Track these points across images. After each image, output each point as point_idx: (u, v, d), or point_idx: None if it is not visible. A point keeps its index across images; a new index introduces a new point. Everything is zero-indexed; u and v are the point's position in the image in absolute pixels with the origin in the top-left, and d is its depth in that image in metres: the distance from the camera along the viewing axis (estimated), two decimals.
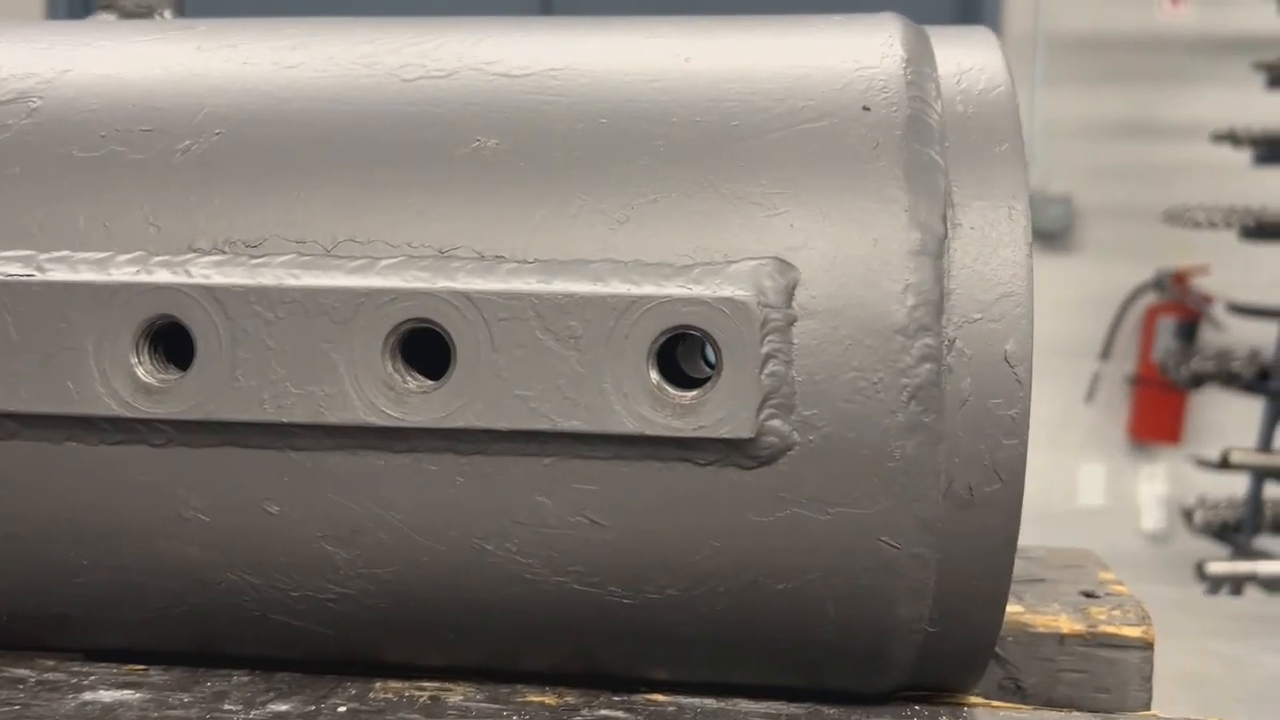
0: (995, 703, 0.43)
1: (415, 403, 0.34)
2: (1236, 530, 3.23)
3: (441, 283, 0.34)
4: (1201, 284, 3.68)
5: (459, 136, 0.37)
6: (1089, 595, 0.55)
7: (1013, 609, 0.52)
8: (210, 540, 0.38)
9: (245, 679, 0.43)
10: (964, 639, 0.37)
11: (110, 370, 0.35)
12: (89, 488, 0.37)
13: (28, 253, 0.37)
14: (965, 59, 0.40)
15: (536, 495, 0.35)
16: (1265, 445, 3.09)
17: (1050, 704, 0.51)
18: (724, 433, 0.33)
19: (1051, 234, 3.84)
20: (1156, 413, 3.80)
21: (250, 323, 0.35)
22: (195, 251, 0.36)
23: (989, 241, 0.34)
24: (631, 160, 0.36)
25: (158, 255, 0.36)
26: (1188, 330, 3.74)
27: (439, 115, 0.38)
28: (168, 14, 0.50)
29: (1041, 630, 0.52)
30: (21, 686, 0.43)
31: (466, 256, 0.35)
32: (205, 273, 0.35)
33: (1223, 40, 3.74)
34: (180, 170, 0.37)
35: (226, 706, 0.41)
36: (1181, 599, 0.87)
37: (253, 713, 0.40)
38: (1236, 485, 3.20)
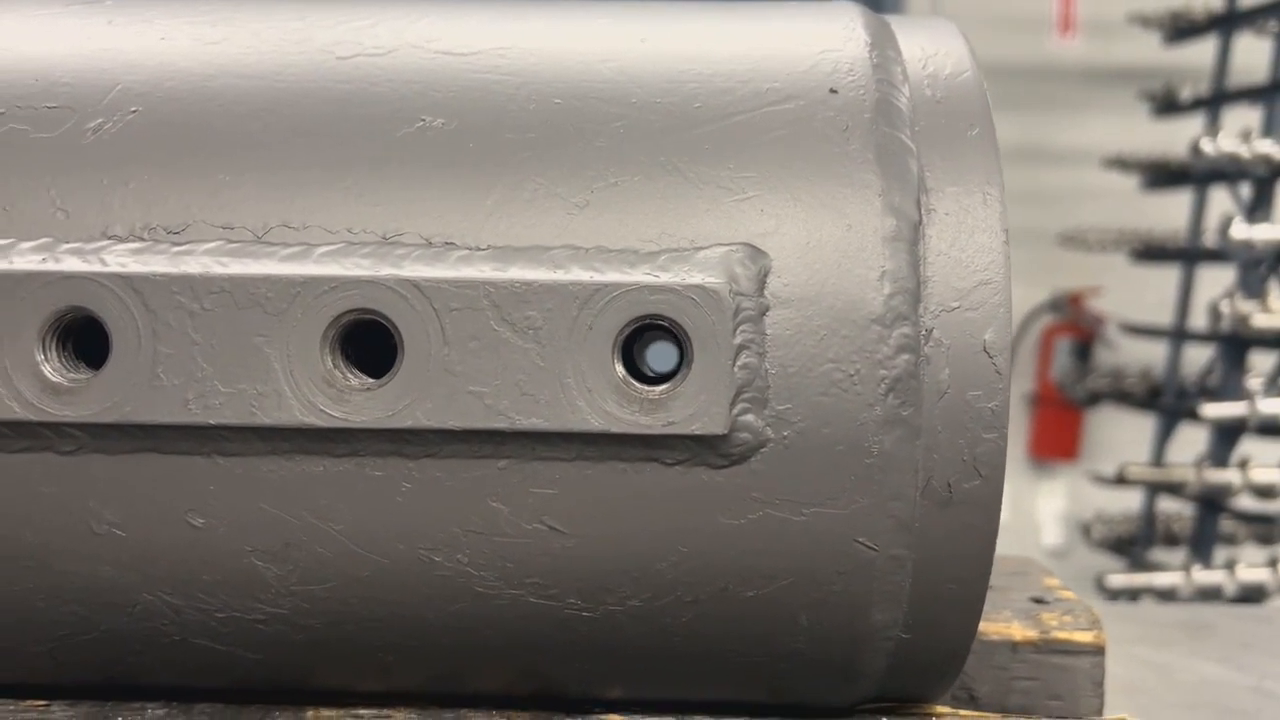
0: (962, 712, 0.41)
1: (358, 401, 0.32)
2: (1132, 544, 3.33)
3: (386, 270, 0.32)
4: (1095, 305, 3.81)
5: (401, 116, 0.34)
6: (1039, 601, 0.54)
7: None
8: (125, 558, 0.34)
9: (161, 712, 0.40)
10: (938, 645, 0.36)
11: (12, 368, 0.32)
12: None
13: None
14: (929, 45, 0.39)
15: (491, 501, 0.33)
16: (1158, 460, 3.19)
17: (1004, 712, 0.50)
18: (695, 429, 0.31)
19: None
20: (1055, 431, 3.91)
21: (173, 315, 0.32)
22: (110, 238, 0.33)
23: (965, 227, 0.33)
24: (589, 141, 0.34)
25: (67, 242, 0.33)
26: (1083, 350, 3.86)
27: (378, 94, 0.35)
28: None
29: (994, 638, 0.51)
30: None
31: (413, 243, 0.33)
32: (121, 261, 0.32)
33: (1110, 70, 3.89)
34: (91, 150, 0.34)
35: None
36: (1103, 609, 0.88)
37: None
38: (1132, 500, 3.31)
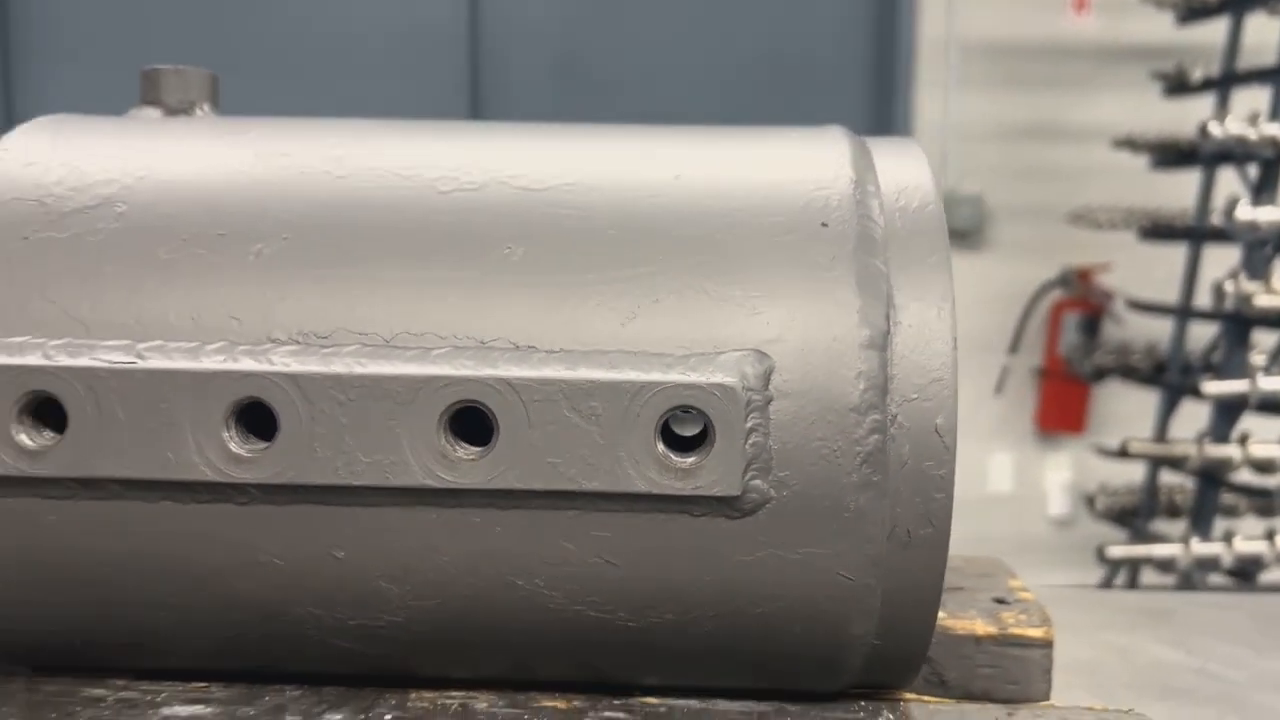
0: (925, 697, 0.52)
1: (464, 469, 0.42)
2: (1135, 515, 3.42)
3: (485, 370, 0.42)
4: (1104, 281, 3.88)
5: (491, 244, 0.45)
6: (1000, 601, 0.65)
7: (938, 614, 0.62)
8: (281, 581, 0.45)
9: (297, 693, 0.51)
10: (902, 649, 0.46)
11: (204, 443, 0.43)
12: (178, 538, 0.44)
13: (127, 342, 0.43)
14: (902, 176, 0.49)
15: (562, 541, 0.43)
16: (1161, 435, 3.28)
17: (968, 695, 0.61)
18: (716, 492, 0.42)
19: (963, 233, 3.99)
20: (1062, 404, 3.98)
21: (326, 404, 0.42)
22: (273, 342, 0.43)
23: (923, 336, 0.43)
24: (636, 267, 0.44)
25: (241, 345, 0.43)
26: (1091, 325, 3.93)
27: (473, 225, 0.45)
28: (206, 107, 0.56)
29: (961, 633, 0.61)
30: (104, 704, 0.49)
31: (504, 347, 0.43)
32: (285, 361, 0.43)
33: (1123, 49, 3.93)
34: (254, 270, 0.45)
35: (288, 718, 0.48)
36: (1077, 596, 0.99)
37: None
38: (1135, 473, 3.40)
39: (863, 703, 0.50)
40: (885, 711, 0.49)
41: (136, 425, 0.43)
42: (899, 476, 0.43)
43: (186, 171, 0.48)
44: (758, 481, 0.42)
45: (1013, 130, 4.12)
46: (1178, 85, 3.33)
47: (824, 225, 0.45)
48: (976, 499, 4.12)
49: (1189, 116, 3.20)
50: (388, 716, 0.48)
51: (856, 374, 0.42)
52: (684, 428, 0.44)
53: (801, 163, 0.48)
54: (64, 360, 0.43)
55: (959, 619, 0.62)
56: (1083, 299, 3.91)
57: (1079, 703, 0.73)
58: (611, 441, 0.42)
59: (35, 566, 0.45)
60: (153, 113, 0.55)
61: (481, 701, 0.50)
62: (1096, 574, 3.34)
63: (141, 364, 0.43)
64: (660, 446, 0.42)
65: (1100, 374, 3.51)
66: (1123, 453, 3.26)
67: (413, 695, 0.50)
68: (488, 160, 0.48)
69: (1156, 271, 3.75)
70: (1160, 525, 3.35)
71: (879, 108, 3.93)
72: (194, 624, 0.47)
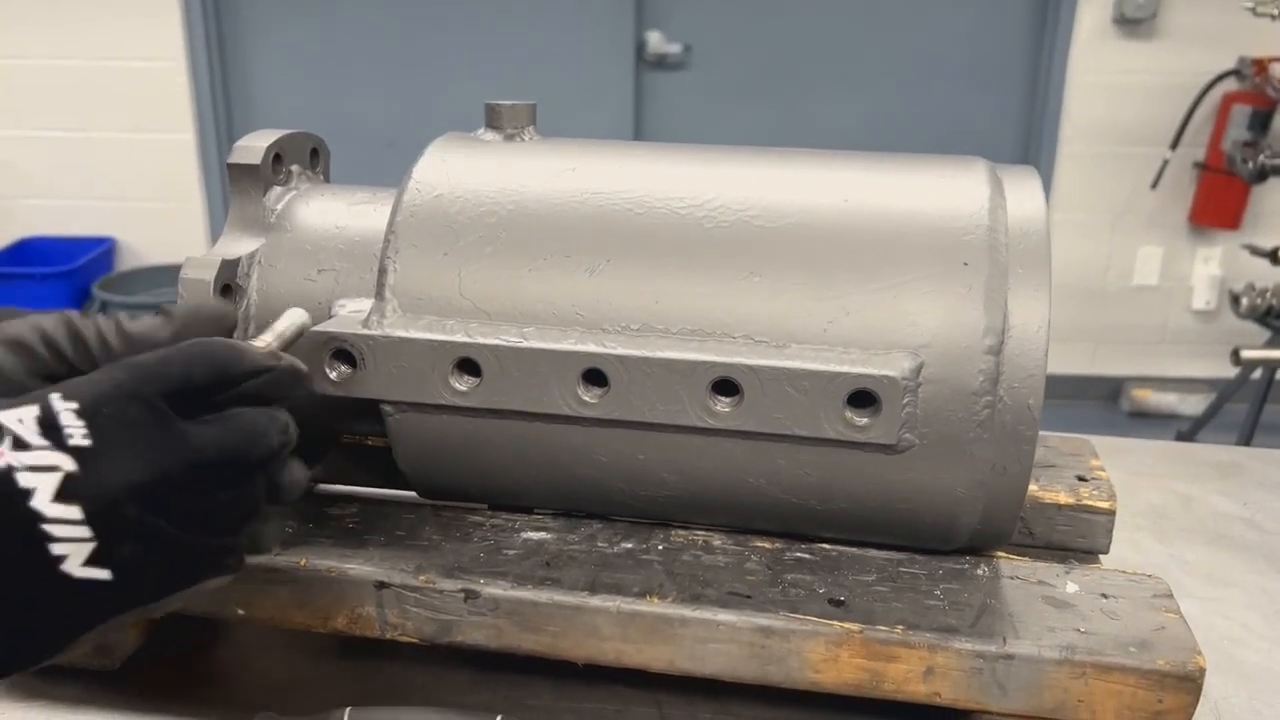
0: (1010, 555, 0.78)
1: (720, 416, 0.68)
2: (1278, 316, 3.48)
3: (736, 358, 0.67)
4: None
5: (740, 269, 0.69)
6: (1080, 479, 0.89)
7: (1032, 488, 0.86)
8: (604, 469, 0.73)
9: (600, 526, 0.80)
10: (994, 532, 0.72)
11: (563, 392, 0.69)
12: (545, 443, 0.72)
13: (515, 327, 0.70)
14: (1022, 209, 0.70)
15: (779, 459, 0.70)
16: None
17: (1049, 545, 0.86)
18: (880, 440, 0.67)
19: (1136, 20, 3.89)
20: (1219, 200, 3.96)
21: (637, 372, 0.68)
22: (604, 331, 0.69)
23: (1025, 346, 0.66)
24: (834, 287, 0.68)
25: (585, 330, 0.69)
26: (1263, 119, 3.84)
27: (728, 253, 0.69)
28: (531, 130, 0.80)
29: (1047, 501, 0.86)
30: (484, 526, 0.79)
31: (746, 341, 0.68)
32: (613, 344, 0.68)
33: None
34: (590, 282, 0.70)
35: (599, 543, 0.77)
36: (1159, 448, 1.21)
37: (615, 547, 0.77)
38: None
39: (968, 557, 0.76)
40: (982, 563, 0.75)
41: (523, 378, 0.70)
42: (1000, 434, 0.67)
43: (540, 208, 0.73)
44: (908, 435, 0.67)
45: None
46: None
47: (965, 264, 0.67)
48: (1121, 290, 4.22)
49: None
50: (660, 546, 0.77)
51: (978, 370, 0.66)
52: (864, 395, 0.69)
53: (948, 202, 0.69)
54: (479, 339, 0.70)
55: (1047, 491, 0.87)
56: (1256, 92, 3.82)
57: (1142, 544, 0.99)
58: (814, 406, 0.67)
59: (458, 452, 0.74)
60: (494, 136, 0.79)
61: (716, 539, 0.78)
62: (1233, 370, 3.47)
63: (525, 343, 0.69)
64: (848, 412, 0.67)
65: (1262, 175, 3.50)
66: (1274, 258, 3.31)
67: (673, 533, 0.79)
68: (731, 198, 0.71)
69: None
70: None
71: None
72: (546, 486, 0.76)
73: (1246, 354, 3.10)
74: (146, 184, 4.26)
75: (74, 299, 3.99)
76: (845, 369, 0.66)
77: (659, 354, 0.68)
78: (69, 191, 4.28)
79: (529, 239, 0.72)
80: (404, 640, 0.74)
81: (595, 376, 0.69)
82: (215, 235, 4.29)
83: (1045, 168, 4.09)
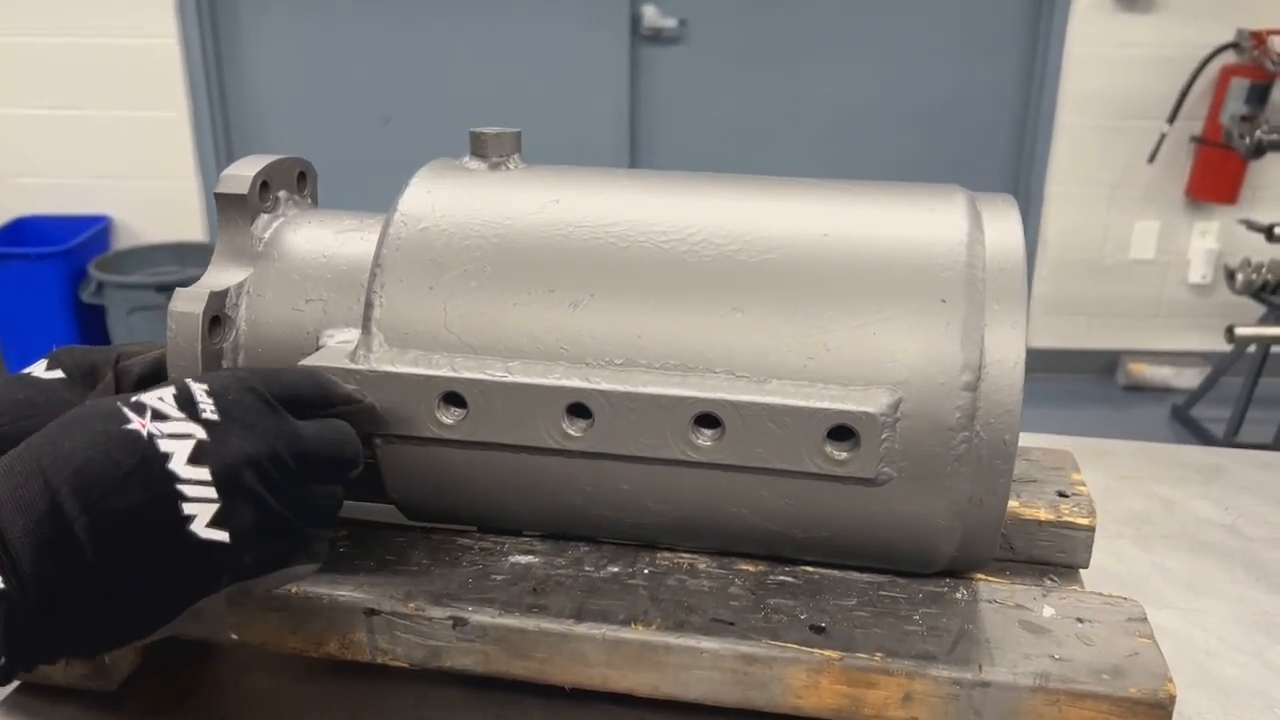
0: (989, 578, 0.79)
1: (702, 450, 0.69)
2: (1273, 292, 3.49)
3: (718, 394, 0.68)
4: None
5: (722, 304, 0.70)
6: (1061, 495, 0.90)
7: (1013, 504, 0.88)
8: (588, 499, 0.74)
9: (587, 549, 0.81)
10: (971, 559, 0.74)
11: (548, 425, 0.71)
12: (529, 473, 0.74)
13: (500, 361, 0.71)
14: (1000, 239, 0.71)
15: (761, 491, 0.71)
16: None
17: (1029, 559, 0.88)
18: (859, 474, 0.68)
19: None
20: (1216, 173, 3.95)
21: (620, 407, 0.69)
22: (586, 365, 0.70)
23: (1002, 383, 0.67)
24: (816, 322, 0.69)
25: (569, 365, 0.70)
26: (1261, 92, 3.82)
27: (711, 288, 0.70)
28: (516, 158, 0.80)
29: (1027, 518, 0.87)
30: (473, 550, 0.81)
31: (725, 374, 0.69)
32: (597, 379, 0.69)
33: None
34: (573, 317, 0.71)
35: (586, 567, 0.79)
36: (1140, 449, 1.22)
37: (601, 571, 0.78)
38: None
39: (948, 579, 0.78)
40: (961, 586, 0.77)
41: (508, 412, 0.71)
42: (977, 468, 0.68)
43: (525, 241, 0.73)
44: (887, 469, 0.68)
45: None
46: None
47: (944, 301, 0.68)
48: (1118, 264, 4.21)
49: None
50: (645, 570, 0.79)
51: (955, 407, 0.67)
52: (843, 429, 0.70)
53: (928, 237, 0.70)
54: (464, 373, 0.71)
55: (1028, 508, 0.88)
56: (1255, 65, 3.80)
57: (1124, 552, 1.00)
58: (794, 440, 0.68)
59: (444, 481, 0.76)
60: (479, 165, 0.80)
61: (701, 562, 0.80)
62: (1228, 345, 3.47)
63: (510, 377, 0.70)
64: (828, 447, 0.68)
65: (1260, 150, 3.49)
66: (1270, 234, 3.31)
67: (659, 555, 0.80)
68: (713, 231, 0.72)
69: None
70: None
71: None
72: (533, 513, 0.78)
73: (1241, 331, 3.11)
74: (142, 162, 4.25)
75: (71, 279, 4.00)
76: (825, 405, 0.67)
77: (642, 389, 0.69)
78: (63, 170, 4.27)
79: (513, 273, 0.73)
80: (394, 665, 0.75)
81: (580, 410, 0.71)
82: (211, 213, 4.30)
83: (1042, 140, 4.08)
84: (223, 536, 0.53)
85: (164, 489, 0.52)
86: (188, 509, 0.53)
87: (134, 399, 0.56)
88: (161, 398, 0.56)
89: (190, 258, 4.15)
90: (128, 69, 4.12)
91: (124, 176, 4.28)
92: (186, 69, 4.13)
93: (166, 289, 3.86)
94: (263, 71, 4.24)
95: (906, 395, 0.68)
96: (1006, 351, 0.68)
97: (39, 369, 0.77)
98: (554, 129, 4.11)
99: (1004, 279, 0.70)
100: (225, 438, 0.55)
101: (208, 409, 0.56)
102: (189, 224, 4.31)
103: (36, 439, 0.54)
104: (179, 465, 0.53)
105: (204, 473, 0.53)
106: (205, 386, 0.57)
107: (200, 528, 0.53)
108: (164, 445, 0.53)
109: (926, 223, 0.72)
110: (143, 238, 4.34)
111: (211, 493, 0.53)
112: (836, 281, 0.70)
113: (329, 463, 0.62)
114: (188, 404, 0.56)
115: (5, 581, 0.50)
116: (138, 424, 0.54)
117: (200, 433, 0.55)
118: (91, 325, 4.01)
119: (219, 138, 4.25)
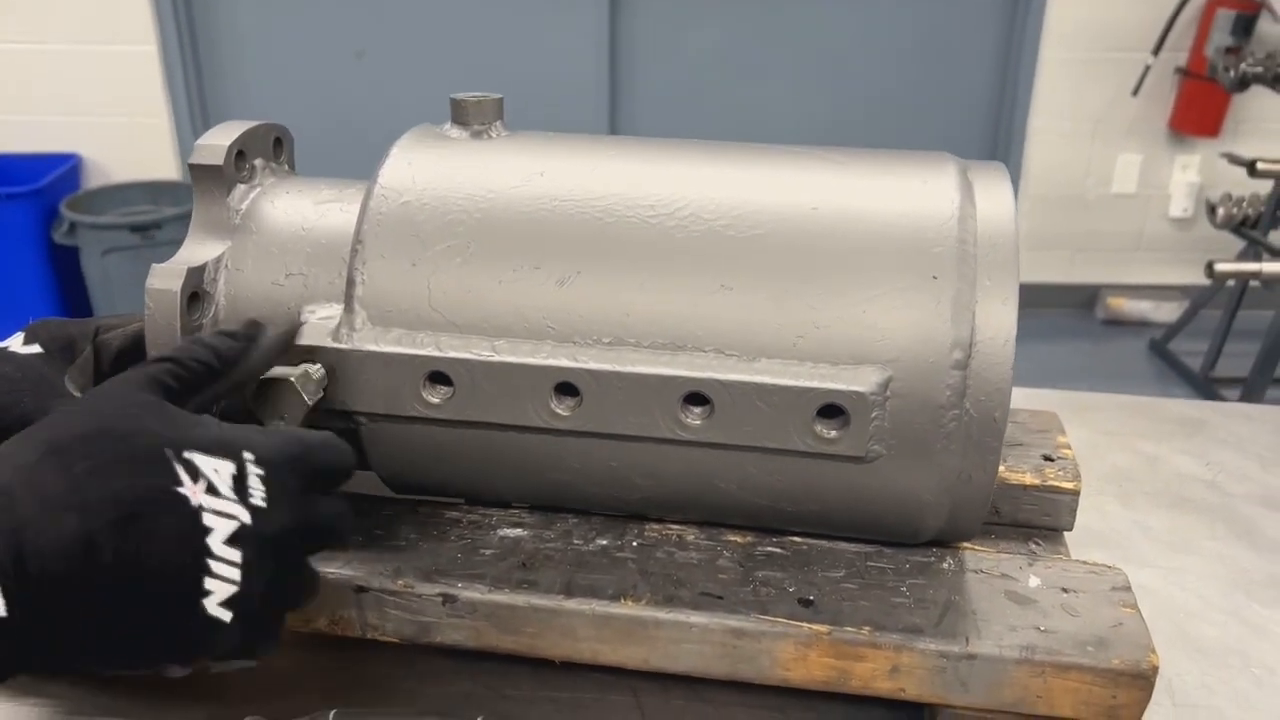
0: (976, 546, 0.80)
1: (690, 428, 0.69)
2: (1253, 226, 3.49)
3: (707, 373, 0.68)
4: None
5: (710, 281, 0.69)
6: (1046, 459, 0.90)
7: (999, 469, 0.88)
8: (576, 476, 0.74)
9: (575, 521, 0.81)
10: (959, 531, 0.74)
11: (534, 403, 0.70)
12: (516, 451, 0.73)
13: (486, 339, 0.70)
14: (992, 210, 0.70)
15: (749, 468, 0.71)
16: None
17: (1014, 523, 0.88)
18: (848, 452, 0.68)
19: None
20: (1199, 106, 3.93)
21: (608, 385, 0.69)
22: (574, 344, 0.69)
23: (991, 360, 0.67)
24: (808, 300, 0.68)
25: (557, 344, 0.69)
26: (1246, 24, 3.79)
27: (699, 265, 0.69)
28: (499, 125, 0.78)
29: (1013, 482, 0.88)
30: (461, 523, 0.80)
31: (713, 352, 0.68)
32: (584, 358, 0.69)
33: None
34: (560, 293, 0.70)
35: (575, 540, 0.79)
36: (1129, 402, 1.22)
37: (590, 544, 0.78)
38: (1263, 184, 3.44)
39: (935, 548, 0.78)
40: (948, 556, 0.77)
41: (495, 391, 0.70)
42: (966, 445, 0.68)
43: (509, 216, 0.72)
44: (877, 446, 0.68)
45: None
46: None
47: (935, 278, 0.67)
48: (1100, 198, 4.20)
49: None
50: (634, 542, 0.79)
51: (945, 385, 0.67)
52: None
53: (919, 211, 0.69)
54: (450, 352, 0.70)
55: (1014, 472, 0.88)
56: None
57: (1107, 510, 1.01)
58: (783, 419, 0.68)
59: (432, 458, 0.75)
60: (460, 133, 0.78)
61: (690, 534, 0.80)
62: (1207, 279, 3.48)
63: (496, 356, 0.70)
64: (817, 425, 0.68)
65: (1244, 84, 3.47)
66: (1251, 169, 3.30)
67: (647, 528, 0.80)
68: (702, 205, 0.70)
69: None
70: (1277, 237, 3.42)
71: None
72: (521, 488, 0.77)
73: (1220, 267, 3.12)
74: (110, 98, 4.16)
75: (42, 219, 3.93)
76: (814, 384, 0.67)
77: (630, 368, 0.68)
78: (27, 106, 4.17)
79: (498, 249, 0.71)
80: (384, 640, 0.75)
81: (568, 389, 0.70)
82: (183, 150, 4.22)
83: (1026, 73, 4.03)
84: (226, 616, 0.54)
85: (197, 562, 0.53)
86: (209, 584, 0.53)
87: (186, 455, 0.54)
88: (218, 470, 0.55)
89: (164, 195, 4.08)
90: (92, 1, 4.01)
91: (91, 113, 4.19)
92: (155, 1, 4.02)
93: (141, 229, 3.80)
94: (231, 6, 4.13)
95: (897, 374, 0.67)
96: (998, 328, 0.68)
97: (15, 343, 0.76)
98: (531, 60, 4.03)
99: (996, 254, 0.69)
100: (266, 523, 0.56)
101: (257, 495, 0.56)
102: (161, 161, 4.23)
103: (79, 463, 0.52)
104: (216, 543, 0.53)
105: (236, 555, 0.54)
106: (261, 472, 0.57)
107: (212, 605, 0.53)
108: (208, 521, 0.53)
109: (918, 194, 0.71)
110: (113, 176, 4.26)
111: (236, 574, 0.54)
112: (826, 258, 0.69)
113: (332, 537, 0.64)
114: (240, 486, 0.56)
115: (7, 605, 0.49)
116: (189, 490, 0.53)
117: (245, 516, 0.55)
118: (65, 267, 3.95)
119: (189, 72, 4.16)
